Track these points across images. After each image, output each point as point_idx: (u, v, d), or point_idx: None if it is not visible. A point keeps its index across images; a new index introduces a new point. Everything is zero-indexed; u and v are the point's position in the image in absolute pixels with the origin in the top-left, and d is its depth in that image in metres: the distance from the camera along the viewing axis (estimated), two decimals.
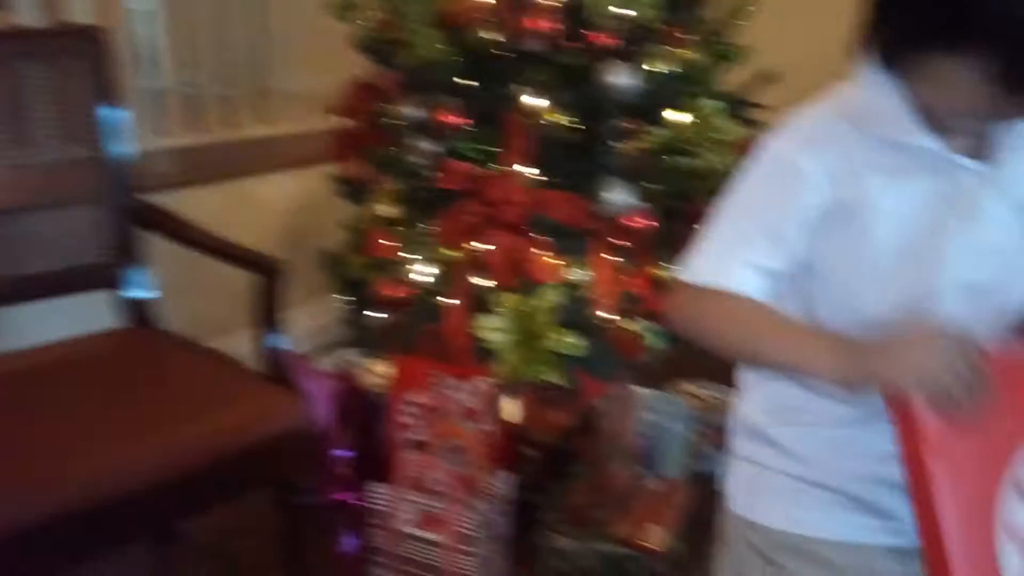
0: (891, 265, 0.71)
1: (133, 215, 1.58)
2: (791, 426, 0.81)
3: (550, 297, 1.42)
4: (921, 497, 0.60)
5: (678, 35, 1.45)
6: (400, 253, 1.63)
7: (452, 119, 1.40)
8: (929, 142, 0.70)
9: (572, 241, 1.46)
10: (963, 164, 0.71)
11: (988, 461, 0.60)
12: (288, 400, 1.41)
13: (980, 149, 0.72)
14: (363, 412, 1.81)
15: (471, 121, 1.41)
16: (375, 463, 1.75)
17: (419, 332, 1.67)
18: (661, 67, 1.36)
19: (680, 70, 1.40)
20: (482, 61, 1.40)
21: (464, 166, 1.40)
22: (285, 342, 1.48)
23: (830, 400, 0.77)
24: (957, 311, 0.70)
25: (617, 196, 1.41)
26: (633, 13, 1.33)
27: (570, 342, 1.43)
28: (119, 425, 1.25)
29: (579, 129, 1.39)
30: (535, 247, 1.42)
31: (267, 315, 1.45)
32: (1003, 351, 0.64)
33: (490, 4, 1.35)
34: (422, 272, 1.60)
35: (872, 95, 0.73)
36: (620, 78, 1.32)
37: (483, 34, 1.37)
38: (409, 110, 1.48)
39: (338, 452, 1.77)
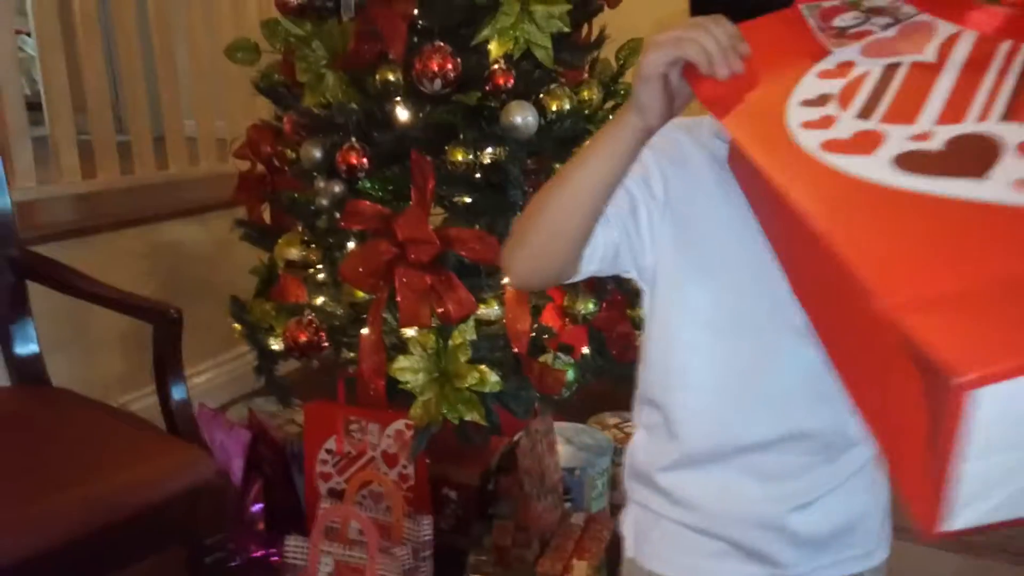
0: (727, 272, 0.72)
1: (17, 267, 1.49)
2: (674, 471, 0.79)
3: (465, 335, 1.42)
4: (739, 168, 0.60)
5: (575, 76, 1.49)
6: (310, 296, 1.60)
7: (356, 160, 1.39)
8: None
9: (484, 278, 1.46)
10: None
11: (774, 96, 0.57)
12: (194, 455, 1.35)
13: None
14: (279, 463, 1.75)
15: (374, 161, 1.41)
16: (292, 515, 1.69)
17: (334, 377, 1.64)
18: (561, 106, 1.39)
19: (579, 109, 1.43)
20: (384, 102, 1.40)
21: (370, 206, 1.39)
22: (189, 394, 1.42)
23: (701, 425, 0.77)
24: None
25: None
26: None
27: (487, 379, 1.42)
28: (9, 490, 1.17)
29: (485, 167, 1.40)
30: (447, 285, 1.41)
31: (169, 367, 1.38)
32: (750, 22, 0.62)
33: (385, 48, 1.35)
34: (334, 315, 1.57)
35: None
36: (522, 117, 1.34)
37: (383, 76, 1.37)
38: (311, 152, 1.46)
39: (252, 506, 1.70)
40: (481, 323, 1.46)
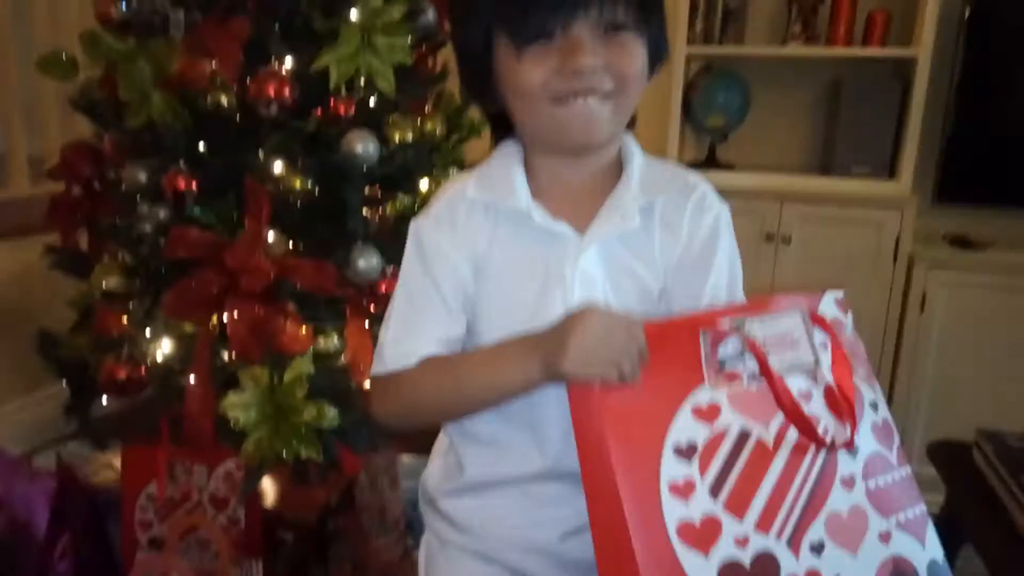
0: (508, 325, 0.74)
1: None
2: (456, 496, 0.83)
3: (301, 368, 1.36)
4: (596, 472, 0.63)
5: (418, 108, 1.49)
6: (131, 330, 1.48)
7: (184, 184, 1.31)
8: (530, 206, 0.75)
9: (322, 309, 1.41)
10: (559, 230, 0.75)
11: (654, 423, 0.64)
12: None
13: (581, 216, 0.77)
14: (89, 514, 1.60)
15: (204, 186, 1.33)
16: (106, 570, 1.54)
17: (157, 417, 1.52)
18: (404, 136, 1.38)
19: (421, 141, 1.43)
20: (214, 125, 1.33)
21: (198, 233, 1.31)
22: None
23: (483, 456, 0.81)
24: None
25: (368, 262, 1.40)
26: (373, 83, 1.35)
27: (326, 414, 1.37)
28: None
29: (324, 195, 1.36)
30: (282, 317, 1.35)
31: None
32: (655, 321, 0.67)
33: (217, 69, 1.29)
34: (157, 350, 1.46)
35: (495, 165, 0.79)
36: (362, 146, 1.32)
37: (215, 98, 1.31)
38: (135, 175, 1.37)
39: (58, 563, 1.54)
40: (320, 356, 1.41)
